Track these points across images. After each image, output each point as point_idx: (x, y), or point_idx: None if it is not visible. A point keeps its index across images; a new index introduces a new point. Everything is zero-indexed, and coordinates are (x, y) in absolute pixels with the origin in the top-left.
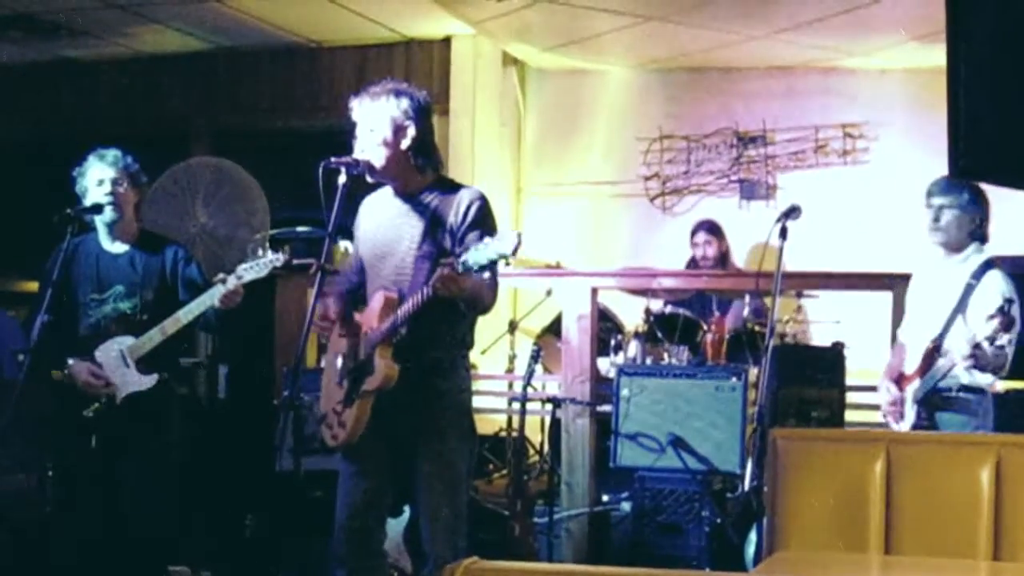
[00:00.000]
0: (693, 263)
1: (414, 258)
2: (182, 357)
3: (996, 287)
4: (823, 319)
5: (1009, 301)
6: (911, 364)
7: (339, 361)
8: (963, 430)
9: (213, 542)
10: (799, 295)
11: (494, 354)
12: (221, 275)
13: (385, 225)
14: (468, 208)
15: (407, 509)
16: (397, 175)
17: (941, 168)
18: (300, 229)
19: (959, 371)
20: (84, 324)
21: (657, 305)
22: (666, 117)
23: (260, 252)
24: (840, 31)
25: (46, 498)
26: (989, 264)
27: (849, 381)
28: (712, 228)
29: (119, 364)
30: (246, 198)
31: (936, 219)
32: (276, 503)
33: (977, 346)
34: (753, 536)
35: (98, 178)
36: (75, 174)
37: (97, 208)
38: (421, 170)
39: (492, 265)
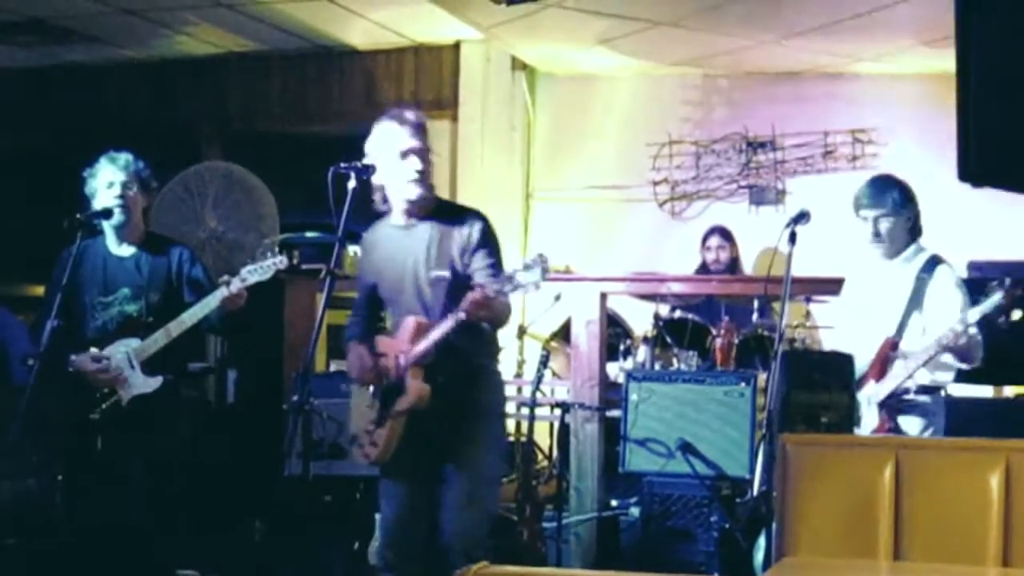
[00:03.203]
0: (703, 268)
1: (430, 282)
2: (192, 361)
3: (951, 281)
4: (833, 324)
5: (964, 298)
6: (861, 368)
7: (370, 385)
8: (922, 434)
9: (222, 546)
10: (808, 300)
11: (503, 359)
12: (225, 277)
13: (396, 254)
14: (473, 231)
15: None
16: (430, 199)
17: (951, 173)
18: (310, 234)
19: (920, 371)
20: (90, 327)
21: (666, 310)
22: (675, 122)
23: (268, 256)
24: (849, 36)
25: (56, 502)
26: (937, 259)
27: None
28: (725, 233)
29: (125, 366)
30: (255, 203)
31: (876, 232)
32: (285, 507)
33: (963, 333)
34: (762, 541)
35: (108, 180)
36: (85, 175)
37: (107, 213)
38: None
39: (516, 289)
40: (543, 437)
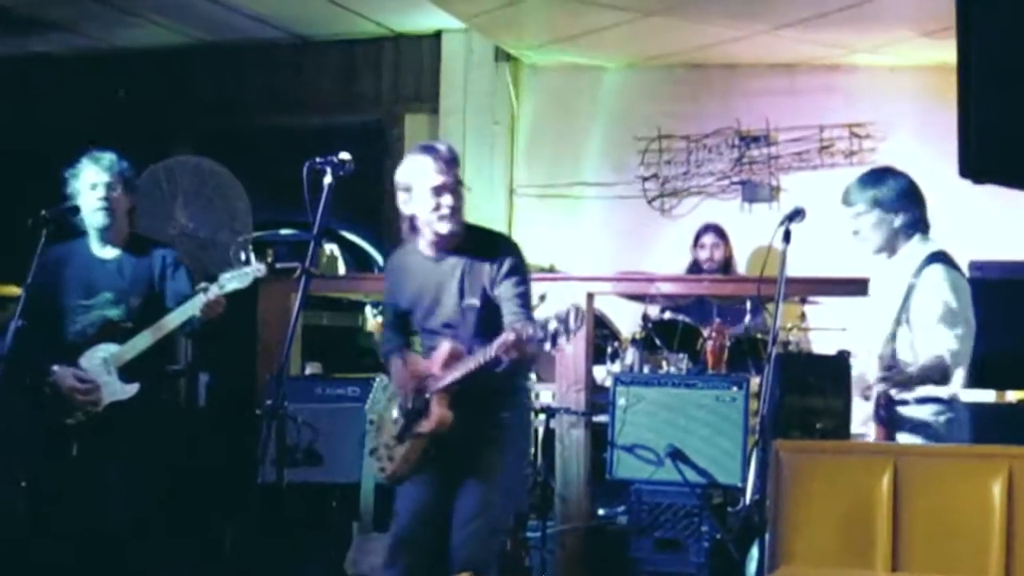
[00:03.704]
0: (695, 267)
1: (460, 310)
2: (168, 365)
3: (934, 287)
4: (828, 326)
5: (948, 303)
6: (872, 376)
7: (399, 400)
8: None
9: (192, 556)
10: (803, 301)
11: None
12: (203, 284)
13: (426, 284)
14: (504, 261)
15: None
16: (458, 232)
17: (952, 169)
18: (284, 232)
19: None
20: (70, 331)
21: (655, 311)
22: (665, 116)
23: (242, 256)
24: (846, 26)
25: (18, 511)
26: (931, 258)
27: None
28: (719, 231)
29: (103, 372)
30: (228, 199)
31: (855, 230)
32: (258, 516)
33: (889, 368)
34: (755, 552)
35: (92, 182)
36: (67, 175)
37: (73, 210)
38: None
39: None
40: None
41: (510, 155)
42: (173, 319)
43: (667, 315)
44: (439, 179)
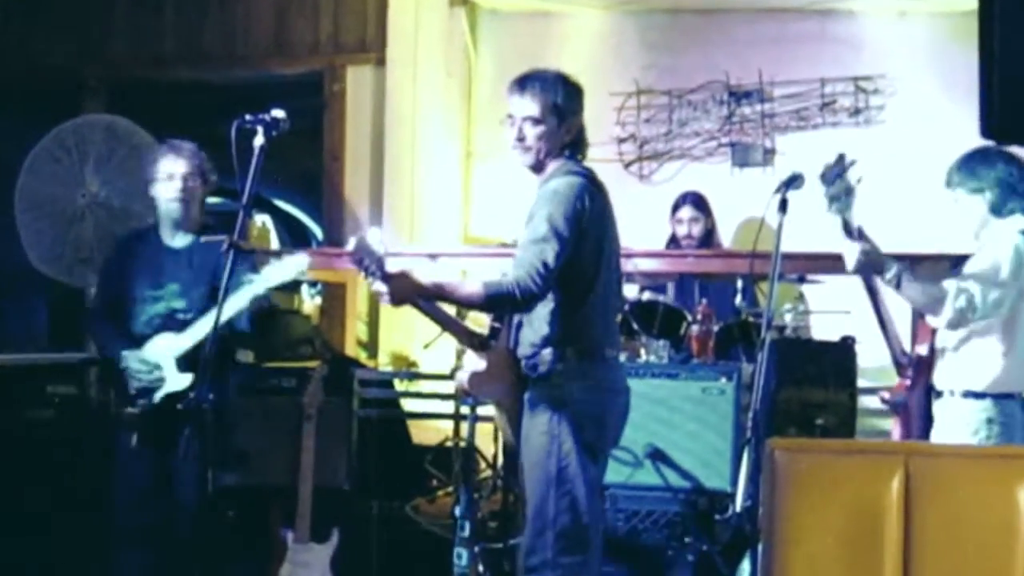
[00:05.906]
0: (675, 242)
1: None
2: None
3: (997, 246)
4: (830, 308)
5: (998, 262)
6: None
7: None
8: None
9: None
10: (801, 280)
11: (438, 349)
12: (249, 276)
13: None
14: (536, 203)
15: (335, 533)
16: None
17: (971, 128)
18: (209, 200)
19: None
20: (139, 321)
21: (633, 291)
22: (644, 68)
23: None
24: None
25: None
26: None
27: (861, 382)
28: (698, 201)
29: (163, 361)
30: (145, 164)
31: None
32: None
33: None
34: (746, 566)
35: (169, 172)
36: (144, 161)
37: None
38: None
39: None
40: (486, 442)
41: (467, 113)
42: (224, 312)
43: (646, 296)
44: (510, 108)
